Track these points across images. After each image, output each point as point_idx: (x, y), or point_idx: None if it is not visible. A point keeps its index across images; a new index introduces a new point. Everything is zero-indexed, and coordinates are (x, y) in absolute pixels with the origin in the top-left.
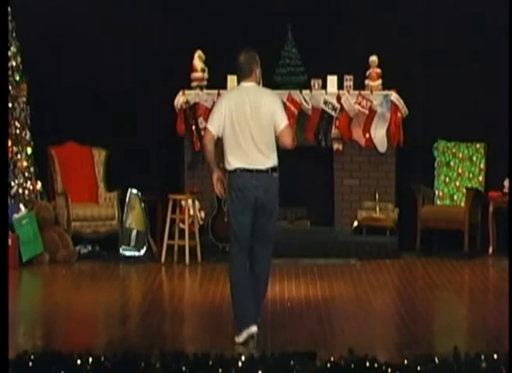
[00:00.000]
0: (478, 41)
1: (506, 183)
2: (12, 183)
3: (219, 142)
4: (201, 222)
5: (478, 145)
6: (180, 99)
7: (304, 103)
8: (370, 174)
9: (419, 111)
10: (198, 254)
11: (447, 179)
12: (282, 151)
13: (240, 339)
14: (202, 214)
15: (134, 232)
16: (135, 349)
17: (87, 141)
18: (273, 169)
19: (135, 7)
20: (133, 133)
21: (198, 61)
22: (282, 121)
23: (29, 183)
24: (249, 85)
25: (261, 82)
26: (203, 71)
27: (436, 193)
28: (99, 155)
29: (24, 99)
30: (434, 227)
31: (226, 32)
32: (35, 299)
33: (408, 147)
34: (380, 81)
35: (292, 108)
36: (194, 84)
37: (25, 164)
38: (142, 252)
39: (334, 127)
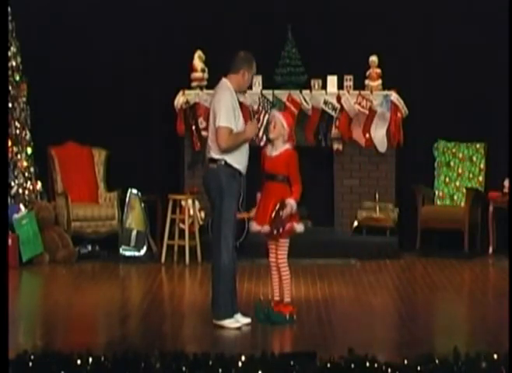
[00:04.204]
0: (478, 41)
1: (506, 183)
2: (12, 183)
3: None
4: (201, 222)
5: (478, 145)
6: (180, 99)
7: (304, 103)
8: (370, 174)
9: (419, 111)
10: (198, 254)
11: (447, 179)
12: None
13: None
14: (202, 214)
15: (134, 232)
16: (135, 349)
17: (87, 141)
18: (210, 160)
19: (134, 7)
20: (133, 133)
21: (198, 61)
22: (218, 122)
23: (29, 183)
24: (223, 80)
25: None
26: (203, 71)
27: (436, 193)
28: (99, 155)
29: (24, 99)
30: (434, 227)
31: (226, 32)
32: (35, 299)
33: (408, 147)
34: (380, 81)
35: (292, 108)
36: (194, 84)
37: (25, 164)
38: (142, 252)
39: (334, 127)
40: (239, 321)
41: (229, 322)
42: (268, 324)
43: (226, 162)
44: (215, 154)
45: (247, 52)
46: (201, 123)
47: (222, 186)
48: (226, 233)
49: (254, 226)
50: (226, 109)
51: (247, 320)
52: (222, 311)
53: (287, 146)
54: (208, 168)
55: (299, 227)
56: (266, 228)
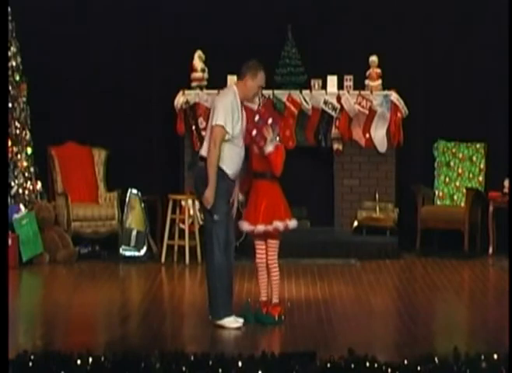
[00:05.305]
0: (477, 41)
1: (506, 183)
2: (12, 183)
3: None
4: (201, 222)
5: (478, 145)
6: (180, 99)
7: (304, 103)
8: (370, 174)
9: (419, 111)
10: (198, 254)
11: (447, 179)
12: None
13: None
14: (202, 214)
15: (134, 232)
16: (135, 349)
17: (87, 141)
18: (200, 158)
19: (134, 7)
20: (133, 133)
21: (198, 61)
22: (214, 120)
23: (29, 183)
24: (231, 84)
25: (257, 99)
26: (203, 71)
27: (436, 193)
28: (99, 155)
29: (24, 99)
30: (434, 227)
31: (226, 32)
32: (35, 299)
33: (408, 147)
34: (380, 81)
35: (292, 108)
36: (194, 84)
37: (25, 164)
38: (142, 252)
39: (334, 127)
40: (238, 321)
41: (228, 322)
42: (259, 324)
43: (202, 158)
44: (204, 152)
45: (257, 62)
46: (201, 123)
47: (201, 182)
48: (217, 232)
49: (247, 226)
50: (225, 109)
51: (240, 321)
52: (222, 311)
53: (275, 143)
54: (198, 166)
55: (291, 223)
56: (259, 228)
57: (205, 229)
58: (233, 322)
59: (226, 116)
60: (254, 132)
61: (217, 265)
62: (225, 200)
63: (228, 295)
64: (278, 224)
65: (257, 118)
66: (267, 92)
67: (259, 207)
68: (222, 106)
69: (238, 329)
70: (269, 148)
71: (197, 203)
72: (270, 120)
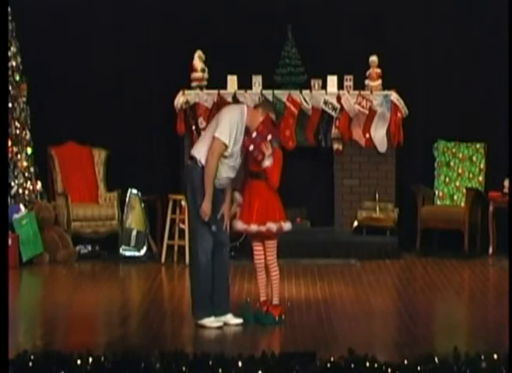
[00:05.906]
0: (478, 41)
1: (506, 183)
2: (12, 183)
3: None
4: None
5: (478, 145)
6: (180, 99)
7: (304, 103)
8: (370, 174)
9: (419, 111)
10: None
11: (447, 179)
12: (283, 151)
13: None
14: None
15: (134, 232)
16: (135, 349)
17: (87, 141)
18: (190, 156)
19: (135, 7)
20: (133, 133)
21: (198, 61)
22: (217, 132)
23: (29, 183)
24: (245, 105)
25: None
26: (203, 71)
27: (436, 193)
28: (99, 155)
29: (24, 99)
30: (434, 227)
31: (226, 32)
32: (35, 299)
33: (408, 147)
34: (380, 81)
35: (292, 108)
36: (194, 84)
37: (25, 164)
38: (142, 252)
39: (334, 127)
40: (220, 320)
41: (209, 322)
42: (259, 324)
43: (202, 164)
44: (196, 153)
45: (273, 104)
46: (201, 123)
47: (195, 186)
48: (202, 233)
49: (240, 225)
50: (231, 125)
51: (238, 321)
52: (202, 311)
53: (275, 146)
54: (185, 164)
55: (286, 225)
56: (252, 228)
57: (191, 229)
58: (213, 321)
59: (231, 132)
60: (252, 147)
61: (201, 265)
62: (215, 208)
63: (209, 296)
64: (272, 226)
65: (254, 134)
66: (267, 92)
67: (252, 206)
68: (229, 120)
69: (219, 328)
70: (267, 163)
71: None
72: (269, 137)
